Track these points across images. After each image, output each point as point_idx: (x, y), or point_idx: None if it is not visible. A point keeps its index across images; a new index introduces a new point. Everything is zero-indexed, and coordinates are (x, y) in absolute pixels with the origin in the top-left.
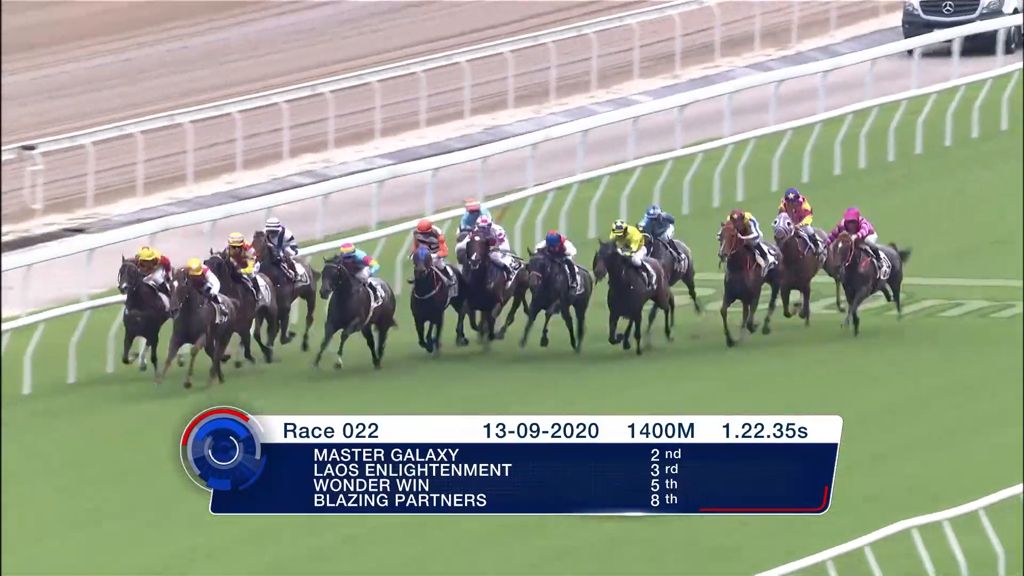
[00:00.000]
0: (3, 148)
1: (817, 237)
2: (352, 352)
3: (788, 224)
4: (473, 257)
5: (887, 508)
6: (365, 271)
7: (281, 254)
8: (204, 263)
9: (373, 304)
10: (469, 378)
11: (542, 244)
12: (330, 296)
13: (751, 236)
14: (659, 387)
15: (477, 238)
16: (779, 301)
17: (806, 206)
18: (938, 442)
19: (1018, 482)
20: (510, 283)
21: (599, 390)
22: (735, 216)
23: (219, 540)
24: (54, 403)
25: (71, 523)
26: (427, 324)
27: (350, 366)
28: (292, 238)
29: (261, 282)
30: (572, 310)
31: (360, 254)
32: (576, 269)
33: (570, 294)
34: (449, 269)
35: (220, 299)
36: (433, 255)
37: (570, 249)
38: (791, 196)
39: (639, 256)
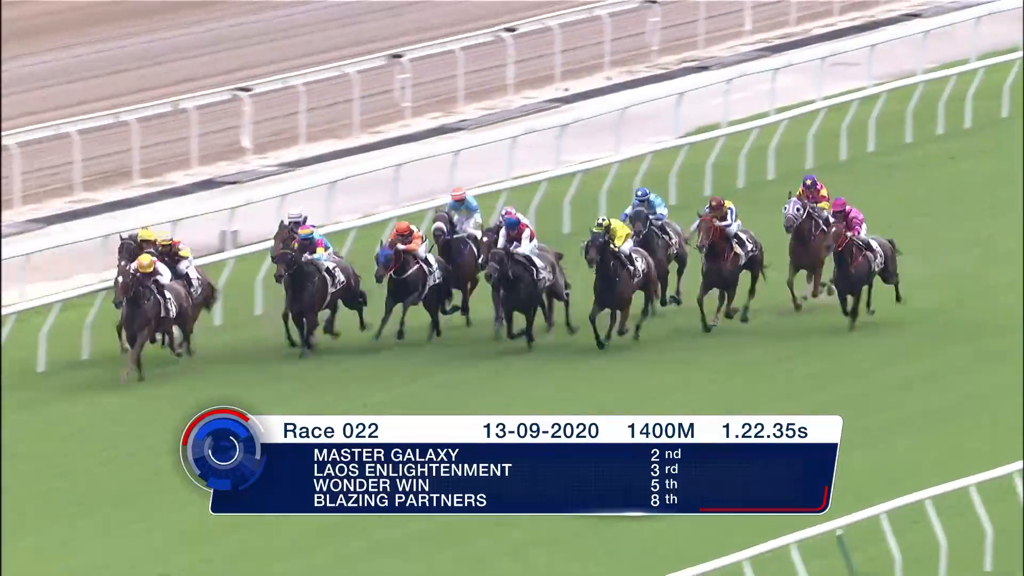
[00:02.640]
0: None
1: (831, 219)
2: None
3: (798, 210)
4: (481, 260)
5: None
6: (320, 253)
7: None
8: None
9: (330, 290)
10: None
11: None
12: (285, 284)
13: (726, 223)
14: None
15: (485, 239)
16: (762, 287)
17: (823, 192)
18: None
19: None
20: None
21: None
22: (713, 204)
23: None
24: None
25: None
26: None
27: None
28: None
29: (194, 274)
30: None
31: (317, 235)
32: (537, 260)
33: (538, 288)
34: (431, 259)
35: (168, 293)
36: (401, 245)
37: (526, 245)
38: (808, 183)
39: (626, 247)
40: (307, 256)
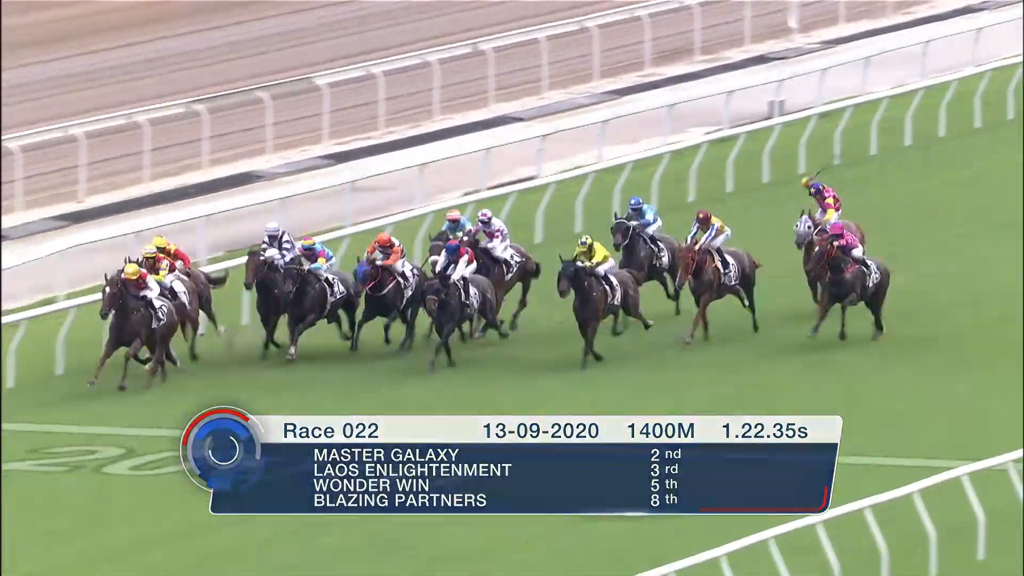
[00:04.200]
0: None
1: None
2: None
3: (808, 227)
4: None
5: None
6: (322, 263)
7: (280, 263)
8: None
9: (330, 299)
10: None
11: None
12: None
13: (709, 235)
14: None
15: (466, 238)
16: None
17: (829, 200)
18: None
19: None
20: (510, 276)
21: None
22: (701, 217)
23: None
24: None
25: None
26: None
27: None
28: (289, 242)
29: (179, 287)
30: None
31: (319, 247)
32: (470, 287)
33: (467, 312)
34: (408, 272)
35: (157, 304)
36: (379, 261)
37: (461, 269)
38: (813, 191)
39: (602, 268)
40: (307, 265)
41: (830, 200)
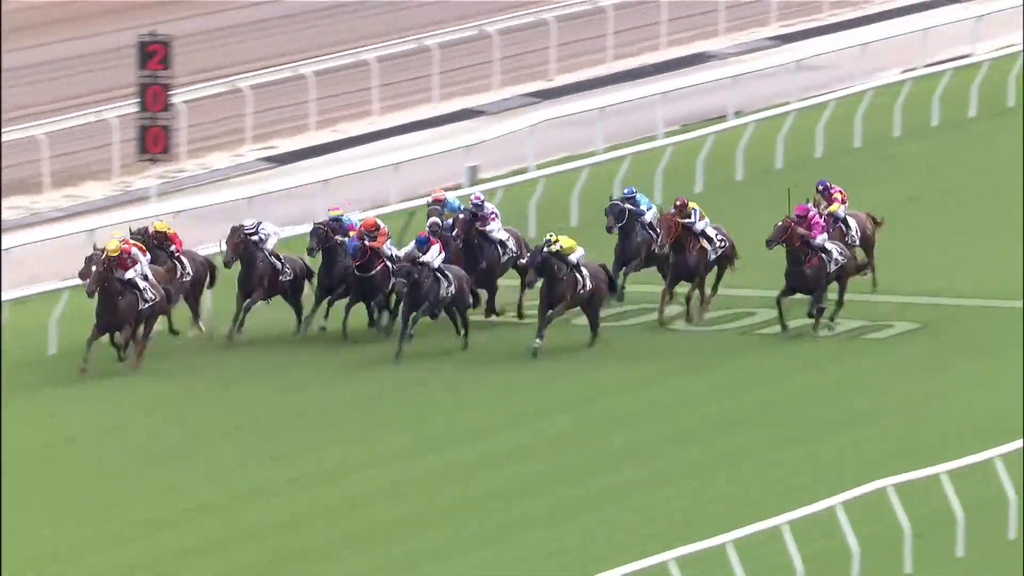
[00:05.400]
0: None
1: (850, 220)
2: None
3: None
4: (455, 232)
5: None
6: (353, 235)
7: (261, 251)
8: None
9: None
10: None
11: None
12: (319, 262)
13: (689, 220)
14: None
15: (461, 215)
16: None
17: (836, 195)
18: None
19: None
20: (506, 258)
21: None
22: (678, 204)
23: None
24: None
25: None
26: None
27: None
28: (266, 235)
29: (148, 279)
30: (455, 310)
31: (347, 219)
32: (446, 271)
33: (441, 297)
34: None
35: (143, 285)
36: (366, 241)
37: (433, 254)
38: (820, 188)
39: (573, 256)
40: (338, 238)
41: (837, 195)
